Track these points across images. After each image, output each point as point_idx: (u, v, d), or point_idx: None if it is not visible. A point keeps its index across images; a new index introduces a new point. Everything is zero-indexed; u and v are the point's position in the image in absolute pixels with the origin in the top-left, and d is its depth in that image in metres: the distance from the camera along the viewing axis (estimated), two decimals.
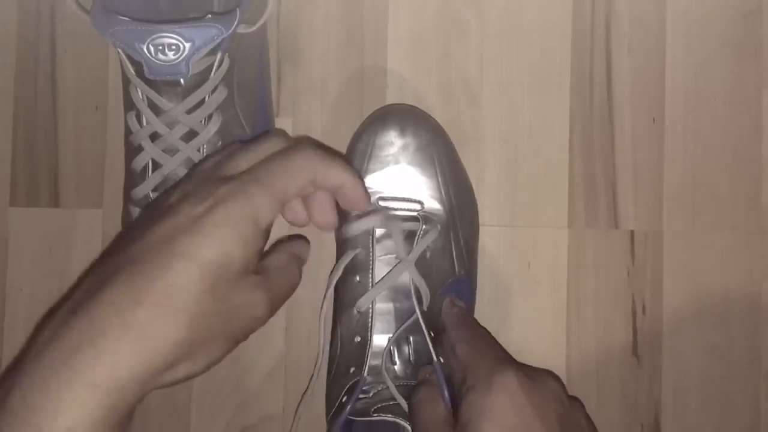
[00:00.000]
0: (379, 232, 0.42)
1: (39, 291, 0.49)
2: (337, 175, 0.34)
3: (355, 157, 0.44)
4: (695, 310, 0.48)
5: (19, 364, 0.29)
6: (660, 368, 0.48)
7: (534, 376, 0.36)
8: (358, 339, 0.41)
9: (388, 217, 0.41)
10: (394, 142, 0.43)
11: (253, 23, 0.41)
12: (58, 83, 0.49)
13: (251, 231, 0.31)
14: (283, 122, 0.48)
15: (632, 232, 0.48)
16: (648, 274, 0.48)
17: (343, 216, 0.43)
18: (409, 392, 0.39)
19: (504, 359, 0.37)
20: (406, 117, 0.44)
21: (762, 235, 0.48)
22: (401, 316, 0.41)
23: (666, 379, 0.48)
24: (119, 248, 0.31)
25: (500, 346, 0.39)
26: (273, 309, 0.34)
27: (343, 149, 0.46)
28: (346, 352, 0.41)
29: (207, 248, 0.30)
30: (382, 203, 0.43)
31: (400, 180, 0.43)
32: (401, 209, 0.43)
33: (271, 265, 0.35)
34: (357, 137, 0.44)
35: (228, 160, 0.34)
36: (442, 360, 0.39)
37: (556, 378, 0.37)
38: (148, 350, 0.28)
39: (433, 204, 0.43)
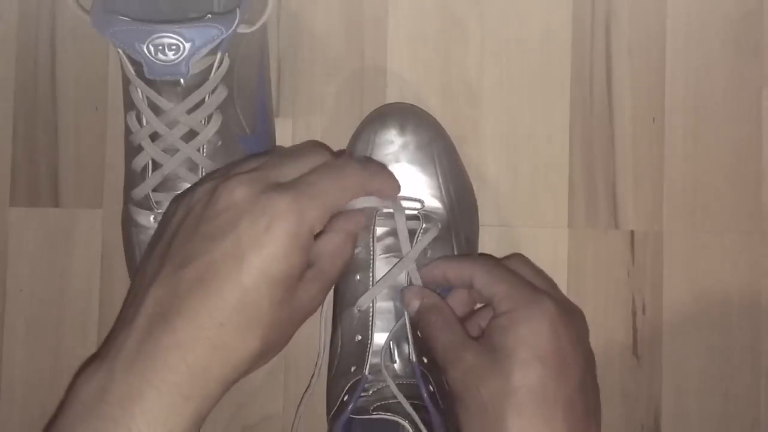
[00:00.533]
0: (379, 230, 0.42)
1: (39, 291, 0.49)
2: (380, 183, 0.39)
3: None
4: (695, 310, 0.48)
5: (104, 370, 0.31)
6: (660, 368, 0.48)
7: (568, 309, 0.38)
8: (358, 338, 0.41)
9: (393, 201, 0.41)
10: (394, 141, 0.43)
11: (253, 23, 0.41)
12: (58, 83, 0.49)
13: (307, 239, 0.34)
14: (283, 122, 0.48)
15: (632, 232, 0.48)
16: (648, 274, 0.48)
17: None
18: (409, 390, 0.39)
19: (537, 287, 0.38)
20: (406, 115, 0.44)
21: (762, 235, 0.48)
22: (402, 315, 0.41)
23: (666, 379, 0.48)
24: (179, 259, 0.33)
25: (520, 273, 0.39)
26: (328, 290, 0.37)
27: (343, 149, 0.46)
28: (347, 351, 0.41)
29: (273, 264, 0.32)
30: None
31: (401, 178, 0.43)
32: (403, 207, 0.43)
33: (324, 250, 0.36)
34: (357, 136, 0.44)
35: (275, 168, 0.35)
36: (425, 360, 0.40)
37: (584, 317, 0.39)
38: (233, 364, 0.32)
39: (433, 202, 0.43)
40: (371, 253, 0.41)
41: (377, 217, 0.42)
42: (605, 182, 0.48)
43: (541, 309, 0.36)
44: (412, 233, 0.42)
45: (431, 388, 0.39)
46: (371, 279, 0.41)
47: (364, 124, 0.44)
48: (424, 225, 0.42)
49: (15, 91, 0.49)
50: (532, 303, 0.36)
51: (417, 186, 0.43)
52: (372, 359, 0.40)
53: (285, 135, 0.48)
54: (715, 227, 0.48)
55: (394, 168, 0.43)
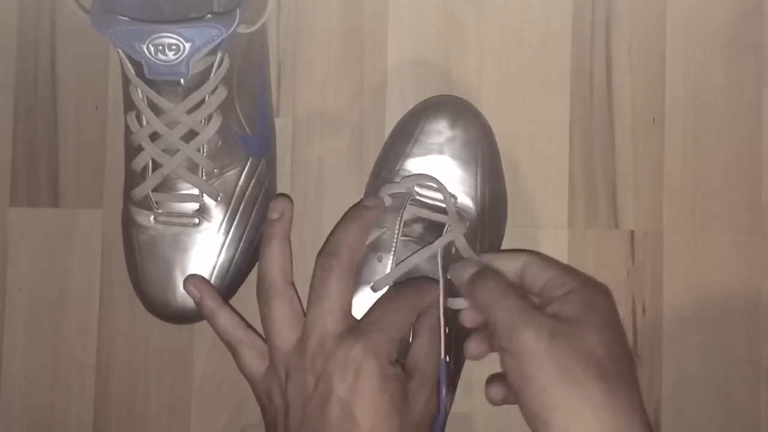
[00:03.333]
0: (407, 215, 0.42)
1: (39, 291, 0.49)
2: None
3: (400, 139, 0.44)
4: (695, 310, 0.48)
5: None
6: (660, 368, 0.48)
7: None
8: None
9: (440, 185, 0.42)
10: (442, 132, 0.43)
11: (253, 23, 0.41)
12: (58, 83, 0.49)
13: (392, 368, 0.37)
14: (283, 122, 0.48)
15: (632, 232, 0.48)
16: (648, 274, 0.48)
17: (382, 180, 0.43)
18: None
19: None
20: (461, 110, 0.44)
21: (762, 235, 0.48)
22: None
23: (666, 379, 0.48)
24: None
25: None
26: (435, 388, 0.39)
27: (342, 150, 0.46)
28: None
29: (377, 403, 0.36)
30: (417, 189, 0.42)
31: (440, 170, 0.42)
32: (434, 199, 0.42)
33: (419, 354, 0.39)
34: (407, 120, 0.44)
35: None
36: (448, 359, 0.40)
37: None
38: None
39: (466, 201, 0.43)
40: (395, 236, 0.41)
41: (408, 204, 0.42)
42: (605, 182, 0.48)
43: (601, 289, 0.37)
44: (440, 226, 0.42)
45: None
46: (391, 262, 0.41)
47: (418, 110, 0.44)
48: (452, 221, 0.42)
49: (15, 91, 0.49)
50: (599, 286, 0.37)
51: (454, 181, 0.43)
52: None
53: (285, 135, 0.48)
54: (715, 227, 0.48)
55: (435, 158, 0.43)
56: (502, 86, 0.48)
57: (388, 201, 0.42)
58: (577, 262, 0.48)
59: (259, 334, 0.41)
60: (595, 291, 0.37)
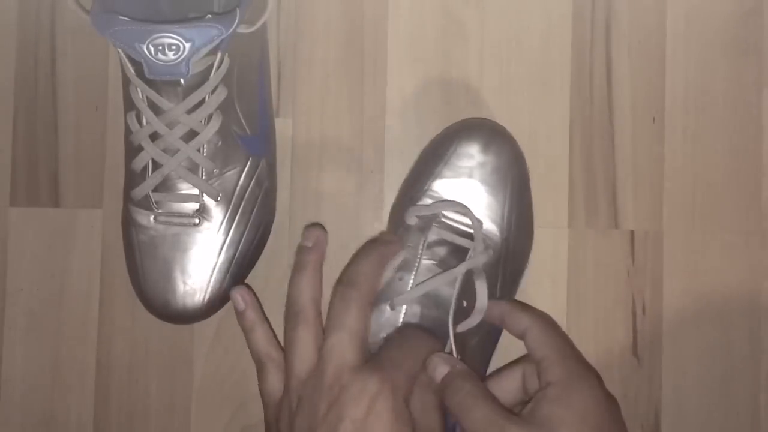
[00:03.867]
0: (431, 237, 0.41)
1: (39, 291, 0.49)
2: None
3: (431, 159, 0.44)
4: (695, 310, 0.48)
5: None
6: (660, 368, 0.48)
7: (609, 392, 0.38)
8: (383, 335, 0.40)
9: (470, 213, 0.42)
10: (474, 156, 0.43)
11: (253, 23, 0.41)
12: (58, 83, 0.49)
13: (405, 408, 0.36)
14: (283, 122, 0.48)
15: (632, 232, 0.48)
16: (648, 274, 0.48)
17: (410, 199, 0.43)
18: None
19: (585, 361, 0.39)
20: (494, 135, 0.43)
21: (762, 235, 0.48)
22: (427, 323, 0.40)
23: (666, 379, 0.48)
24: None
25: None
26: None
27: (342, 150, 0.46)
28: (372, 349, 0.41)
29: None
30: (443, 212, 0.42)
31: (468, 194, 0.42)
32: (459, 222, 0.42)
33: (419, 408, 0.38)
34: (439, 142, 0.44)
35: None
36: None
37: (618, 405, 0.39)
38: None
39: (491, 227, 0.43)
40: (418, 256, 0.41)
41: (434, 225, 0.42)
42: (605, 182, 0.48)
43: (590, 385, 0.37)
44: (463, 250, 0.41)
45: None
46: (412, 281, 0.41)
47: (451, 132, 0.44)
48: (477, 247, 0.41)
49: (15, 91, 0.49)
50: (584, 378, 0.37)
51: (481, 207, 0.42)
52: None
53: (285, 135, 0.48)
54: (715, 227, 0.48)
55: (464, 182, 0.43)
56: (502, 86, 0.48)
57: (413, 221, 0.42)
58: (577, 262, 0.48)
59: None
60: (576, 382, 0.36)
